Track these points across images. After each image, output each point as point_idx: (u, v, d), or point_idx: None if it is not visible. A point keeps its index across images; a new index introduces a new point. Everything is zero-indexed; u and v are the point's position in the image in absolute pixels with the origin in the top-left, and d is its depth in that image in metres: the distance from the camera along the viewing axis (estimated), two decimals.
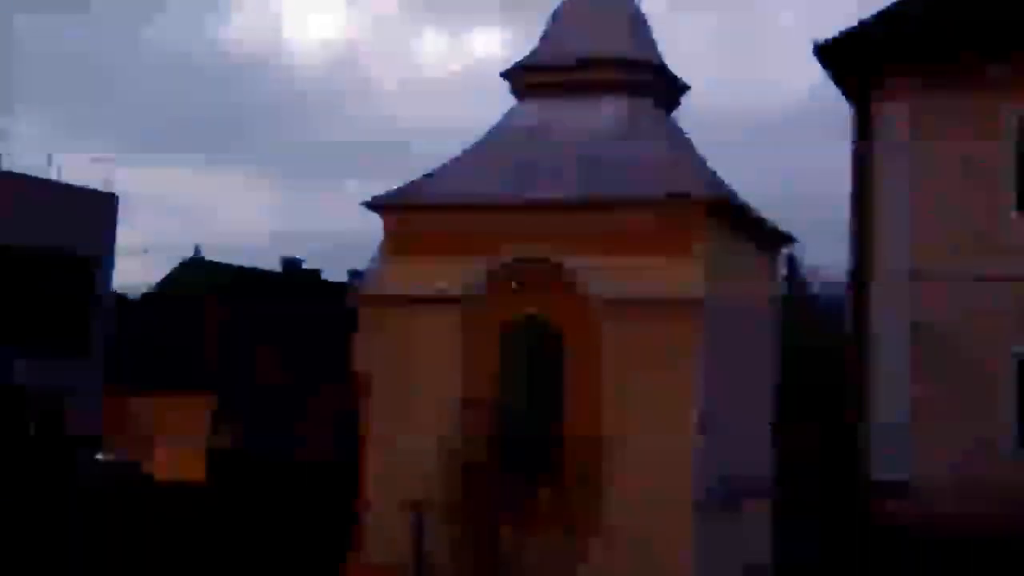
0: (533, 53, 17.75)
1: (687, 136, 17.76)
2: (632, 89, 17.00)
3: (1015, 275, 20.80)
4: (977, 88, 21.44)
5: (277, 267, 44.60)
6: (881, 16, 22.36)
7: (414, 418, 15.44)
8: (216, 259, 41.58)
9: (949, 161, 21.57)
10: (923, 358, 21.19)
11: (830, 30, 22.07)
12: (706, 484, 14.86)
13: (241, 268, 40.94)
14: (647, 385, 14.93)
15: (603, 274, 15.16)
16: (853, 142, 23.08)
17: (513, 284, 15.40)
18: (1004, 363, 20.85)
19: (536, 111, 17.29)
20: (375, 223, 16.83)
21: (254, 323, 30.82)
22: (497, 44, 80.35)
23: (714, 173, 17.30)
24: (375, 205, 16.74)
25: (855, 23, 22.30)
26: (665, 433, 14.65)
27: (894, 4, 22.58)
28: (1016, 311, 20.82)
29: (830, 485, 22.00)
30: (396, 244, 16.52)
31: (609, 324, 15.14)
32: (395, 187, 16.87)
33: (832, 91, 23.68)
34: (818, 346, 28.76)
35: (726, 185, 17.10)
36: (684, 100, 18.15)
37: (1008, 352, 20.83)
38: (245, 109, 79.99)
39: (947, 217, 21.46)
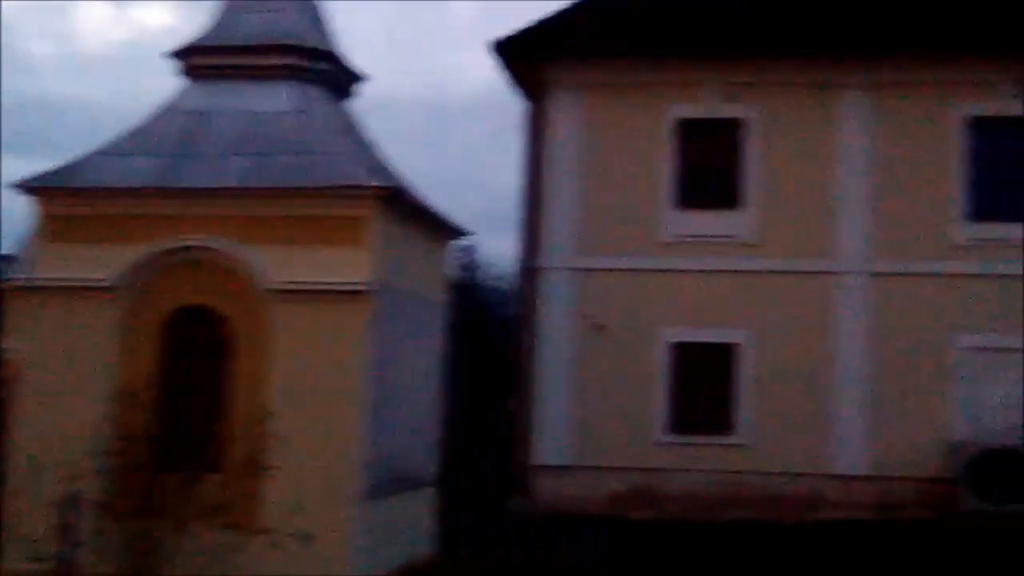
0: (203, 34, 17.19)
1: (362, 125, 17.70)
2: (305, 76, 16.75)
3: (671, 268, 22.10)
4: (643, 90, 22.63)
5: None
6: (556, 18, 23.19)
7: (68, 413, 14.62)
8: None
9: (616, 158, 22.64)
10: (585, 347, 22.14)
11: (508, 25, 22.69)
12: (371, 475, 14.88)
13: None
14: (315, 376, 14.80)
15: (271, 263, 14.88)
16: (526, 136, 23.79)
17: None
18: (659, 351, 22.09)
19: (205, 94, 16.73)
20: (26, 205, 15.83)
21: None
22: (167, 18, 77.45)
23: (387, 163, 17.33)
24: (27, 187, 15.73)
25: (531, 22, 23.01)
26: (331, 425, 14.58)
27: (568, 7, 23.45)
28: (671, 301, 22.10)
29: (496, 471, 22.59)
30: (51, 230, 15.55)
31: (277, 314, 14.89)
32: (52, 168, 15.91)
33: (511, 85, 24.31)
34: (490, 335, 29.48)
35: (399, 175, 17.16)
36: (360, 89, 18.07)
37: (663, 341, 22.08)
38: None
39: (612, 212, 22.51)
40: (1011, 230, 21.76)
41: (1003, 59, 21.74)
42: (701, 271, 22.02)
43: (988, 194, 22.02)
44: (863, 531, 19.59)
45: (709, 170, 22.55)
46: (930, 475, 21.05)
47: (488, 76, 78.79)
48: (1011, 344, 21.42)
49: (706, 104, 22.43)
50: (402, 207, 16.16)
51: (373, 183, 15.28)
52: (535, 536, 19.16)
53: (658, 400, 22.03)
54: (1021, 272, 21.36)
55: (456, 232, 18.67)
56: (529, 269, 22.69)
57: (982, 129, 22.05)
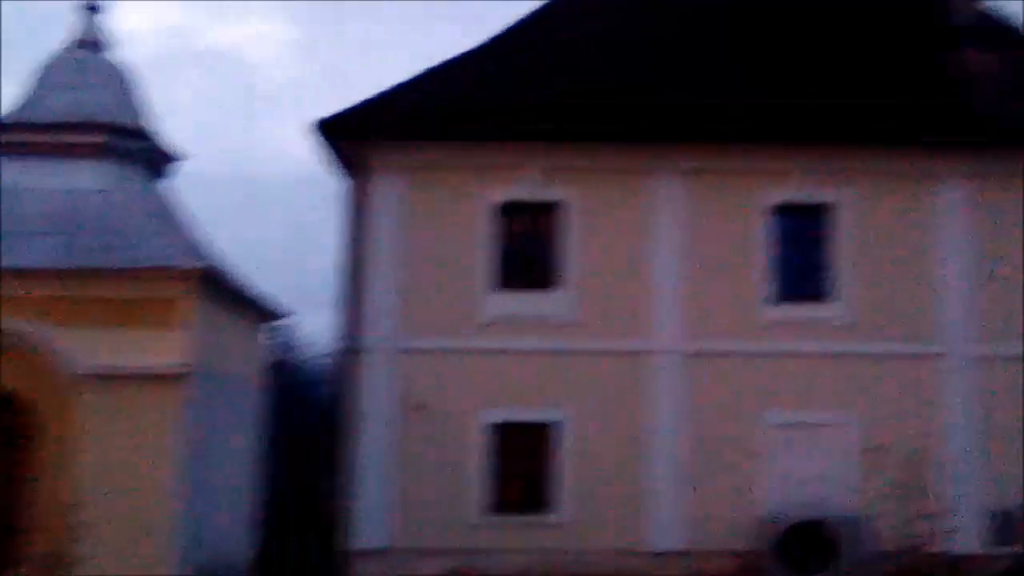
0: (15, 110, 16.79)
1: (177, 204, 17.46)
2: (119, 155, 16.54)
3: (491, 348, 22.24)
4: (464, 172, 22.81)
5: None
6: (377, 99, 23.28)
7: None
8: None
9: (436, 239, 22.72)
10: (405, 427, 22.03)
11: (327, 106, 22.72)
12: (186, 563, 14.50)
13: None
14: (127, 462, 14.43)
15: (81, 347, 14.54)
16: (346, 215, 23.74)
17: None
18: (479, 431, 22.13)
19: (13, 172, 16.34)
20: None
21: None
22: None
23: (203, 242, 17.12)
24: None
25: (353, 102, 23.09)
26: (144, 512, 14.18)
27: (390, 88, 23.62)
28: (491, 381, 22.20)
29: (315, 554, 22.19)
30: None
31: (87, 399, 14.49)
32: None
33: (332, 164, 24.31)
34: (309, 415, 29.09)
35: (215, 255, 16.96)
36: (176, 167, 17.87)
37: (481, 420, 22.14)
38: None
39: (432, 292, 22.55)
40: (813, 310, 22.70)
41: (801, 149, 22.80)
42: (520, 351, 22.18)
43: (791, 277, 22.94)
44: None
45: (528, 252, 22.82)
46: (744, 548, 21.54)
47: (308, 152, 78.51)
48: (817, 419, 22.23)
49: (526, 187, 22.77)
50: (218, 288, 15.99)
51: (187, 264, 15.08)
52: None
53: (478, 480, 22.01)
54: (823, 350, 22.28)
55: (274, 312, 18.52)
56: (348, 348, 22.51)
57: (784, 215, 23.02)
